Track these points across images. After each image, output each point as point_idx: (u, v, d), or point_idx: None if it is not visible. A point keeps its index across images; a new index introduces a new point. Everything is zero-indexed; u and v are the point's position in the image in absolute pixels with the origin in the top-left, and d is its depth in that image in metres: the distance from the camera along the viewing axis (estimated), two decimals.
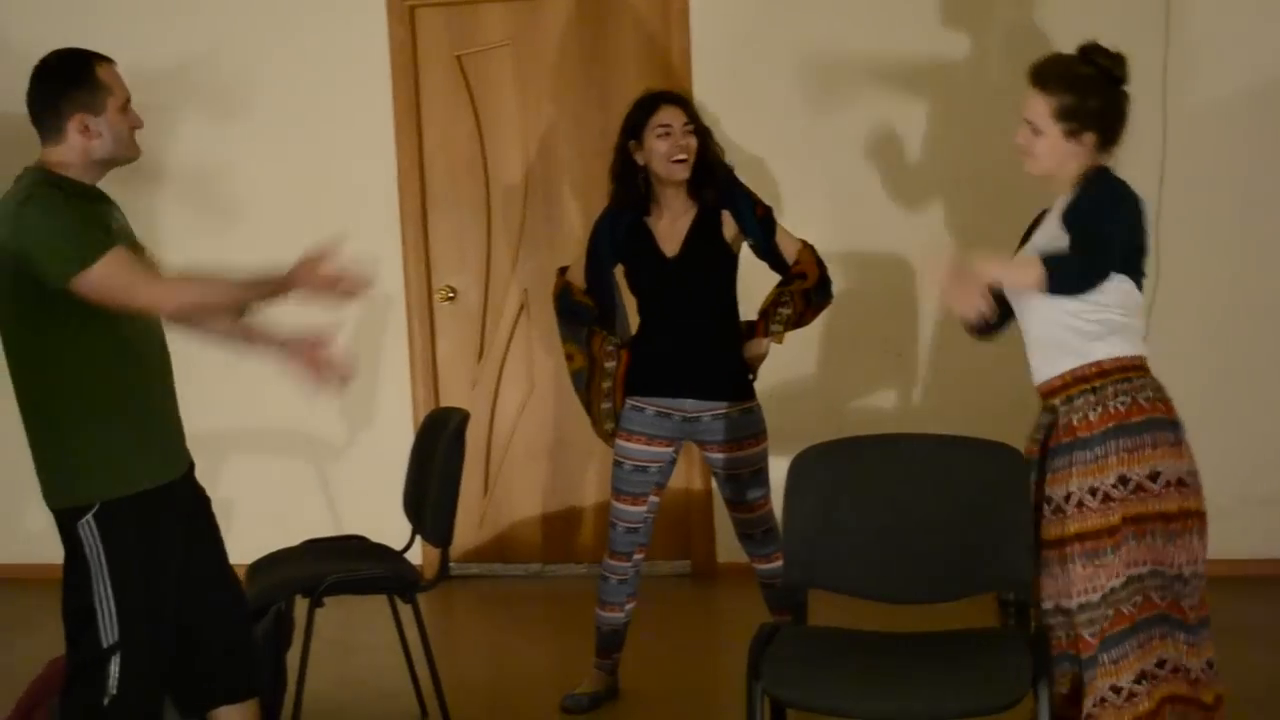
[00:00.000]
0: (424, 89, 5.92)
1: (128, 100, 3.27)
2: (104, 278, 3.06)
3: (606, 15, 5.78)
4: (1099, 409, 3.26)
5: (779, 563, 4.38)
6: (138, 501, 3.20)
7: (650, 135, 4.21)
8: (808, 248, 4.35)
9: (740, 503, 4.36)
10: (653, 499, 4.37)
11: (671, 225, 4.30)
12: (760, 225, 4.28)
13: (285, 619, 4.08)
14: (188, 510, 3.38)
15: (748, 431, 4.30)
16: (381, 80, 5.87)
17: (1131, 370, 3.29)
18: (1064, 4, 5.27)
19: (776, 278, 4.36)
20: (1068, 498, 3.26)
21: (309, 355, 3.38)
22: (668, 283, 4.28)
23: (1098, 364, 3.28)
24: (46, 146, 3.24)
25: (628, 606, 4.45)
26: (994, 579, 3.38)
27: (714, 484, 4.60)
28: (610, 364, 4.34)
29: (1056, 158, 3.33)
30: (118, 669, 3.20)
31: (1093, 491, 3.23)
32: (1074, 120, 3.30)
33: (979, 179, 5.36)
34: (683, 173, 4.22)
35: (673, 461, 4.39)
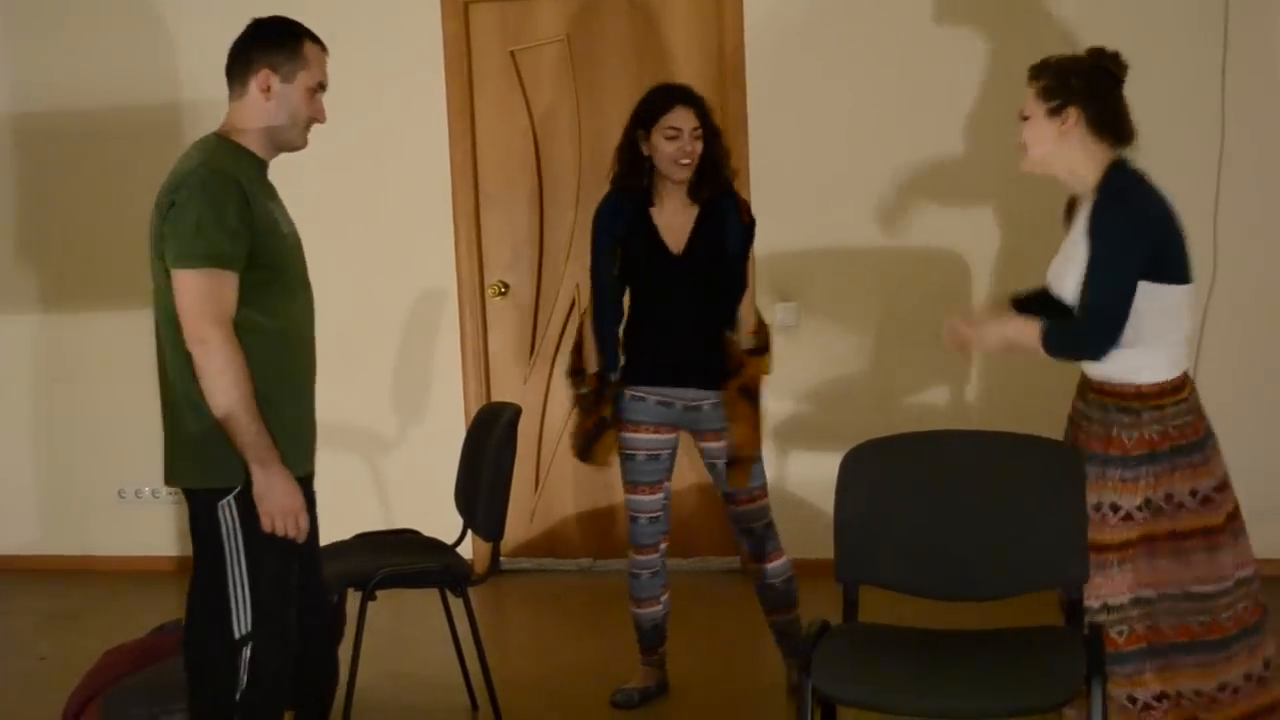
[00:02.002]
0: (477, 84, 5.93)
1: (320, 88, 3.29)
2: (189, 287, 3.05)
3: (660, 9, 5.78)
4: (1135, 433, 3.29)
5: (782, 560, 4.39)
6: None
7: (658, 133, 4.20)
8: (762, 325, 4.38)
9: (739, 493, 4.33)
10: (666, 485, 4.39)
11: (674, 219, 4.29)
12: (743, 230, 4.28)
13: (337, 612, 4.11)
14: (312, 508, 3.35)
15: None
16: (435, 76, 5.89)
17: (1169, 394, 3.31)
18: (1124, 5, 5.23)
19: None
20: (1096, 506, 3.30)
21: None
22: (671, 278, 4.26)
23: (1137, 388, 3.31)
24: (231, 103, 3.26)
25: (664, 598, 4.45)
26: (1046, 577, 3.36)
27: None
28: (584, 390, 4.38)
29: (1044, 141, 3.36)
30: (249, 659, 3.16)
31: (1115, 508, 3.30)
32: (1056, 96, 3.34)
33: (1034, 176, 5.31)
34: (684, 174, 4.22)
35: (675, 449, 4.39)
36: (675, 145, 4.19)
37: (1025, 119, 3.40)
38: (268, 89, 3.22)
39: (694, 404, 4.30)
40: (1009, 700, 3.02)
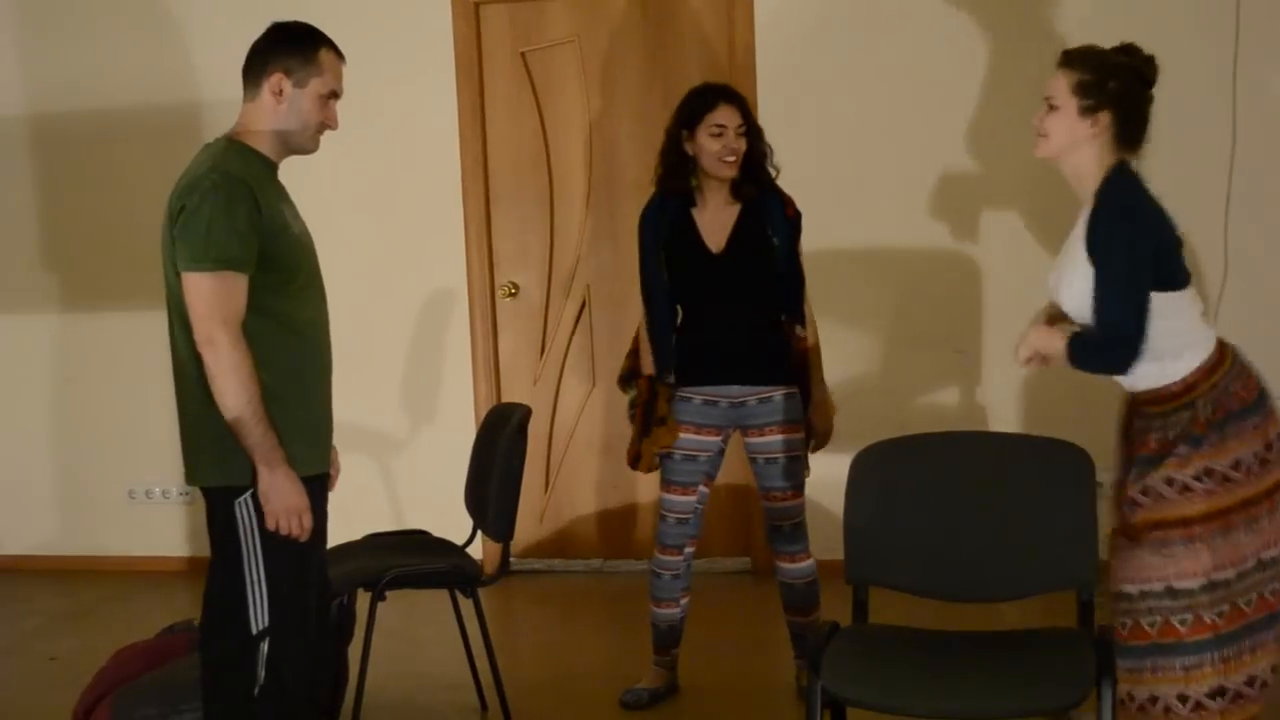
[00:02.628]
0: (488, 85, 5.94)
1: (334, 95, 3.30)
2: (199, 289, 3.07)
3: (670, 11, 5.78)
4: (1194, 422, 3.22)
5: (806, 563, 4.38)
6: None
7: (703, 132, 4.21)
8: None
9: (775, 490, 4.33)
10: (702, 489, 4.37)
11: (715, 218, 4.29)
12: (788, 225, 4.28)
13: (347, 612, 4.12)
14: (325, 507, 3.37)
15: (791, 416, 4.29)
16: (446, 76, 5.90)
17: (1214, 371, 3.25)
18: (1137, 3, 5.23)
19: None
20: (1145, 490, 3.22)
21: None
22: (713, 277, 4.27)
23: (1184, 382, 3.25)
24: (244, 105, 3.27)
25: (683, 601, 4.45)
26: (1057, 578, 3.35)
27: None
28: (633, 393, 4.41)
29: (1069, 136, 3.29)
30: (267, 655, 3.17)
31: (1170, 481, 3.19)
32: (1092, 96, 3.27)
33: (1046, 178, 5.28)
34: (730, 171, 4.22)
35: (721, 452, 4.38)
36: (720, 143, 4.20)
37: (1053, 106, 3.31)
38: (280, 92, 3.24)
39: (739, 400, 4.29)
40: (1019, 702, 3.02)
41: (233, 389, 3.06)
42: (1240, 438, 3.20)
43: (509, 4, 5.89)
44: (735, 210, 4.28)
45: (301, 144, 3.31)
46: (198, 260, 3.06)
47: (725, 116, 4.21)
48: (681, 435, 4.30)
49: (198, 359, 3.12)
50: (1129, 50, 3.35)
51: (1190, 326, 3.27)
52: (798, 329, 4.32)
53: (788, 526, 4.36)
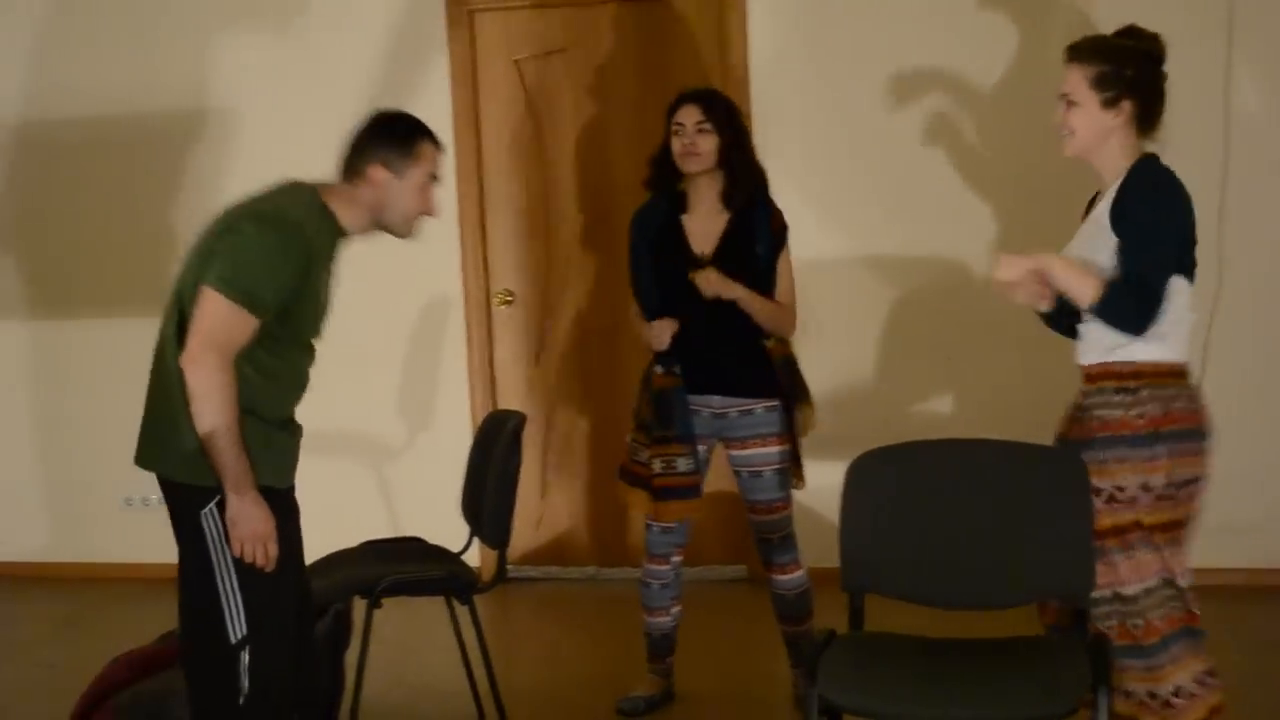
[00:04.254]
0: (482, 93, 5.95)
1: (431, 181, 3.33)
2: (212, 310, 3.07)
3: (665, 20, 5.79)
4: (1135, 410, 3.24)
5: (797, 574, 4.38)
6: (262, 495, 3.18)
7: (670, 132, 4.28)
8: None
9: (760, 503, 4.34)
10: None
11: (703, 225, 4.31)
12: (772, 236, 4.29)
13: (343, 619, 4.12)
14: (294, 519, 3.38)
15: (772, 429, 4.29)
16: (440, 83, 5.91)
17: (1168, 377, 3.27)
18: (1126, 11, 5.23)
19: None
20: (1121, 489, 3.26)
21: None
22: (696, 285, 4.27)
23: (1134, 364, 3.26)
24: (342, 179, 3.30)
25: (674, 610, 4.46)
26: (1052, 585, 3.36)
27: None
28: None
29: (1094, 130, 3.30)
30: (248, 664, 3.18)
31: (1145, 488, 3.25)
32: (1111, 88, 3.28)
33: (1034, 182, 5.32)
34: (692, 167, 4.25)
35: (706, 461, 4.39)
36: (679, 140, 4.26)
37: (1071, 104, 3.32)
38: (380, 182, 3.27)
39: (720, 411, 4.30)
40: (1014, 710, 3.02)
41: (209, 410, 3.08)
42: (1187, 457, 3.27)
43: (503, 12, 5.90)
44: (725, 219, 4.29)
45: (396, 230, 3.36)
46: (226, 283, 3.08)
47: (684, 115, 4.27)
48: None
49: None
50: (1134, 33, 3.36)
51: (1177, 320, 3.28)
52: (766, 341, 4.31)
53: (776, 539, 4.36)
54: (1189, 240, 3.29)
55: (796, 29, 5.61)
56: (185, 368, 3.09)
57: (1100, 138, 3.31)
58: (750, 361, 4.30)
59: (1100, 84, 3.29)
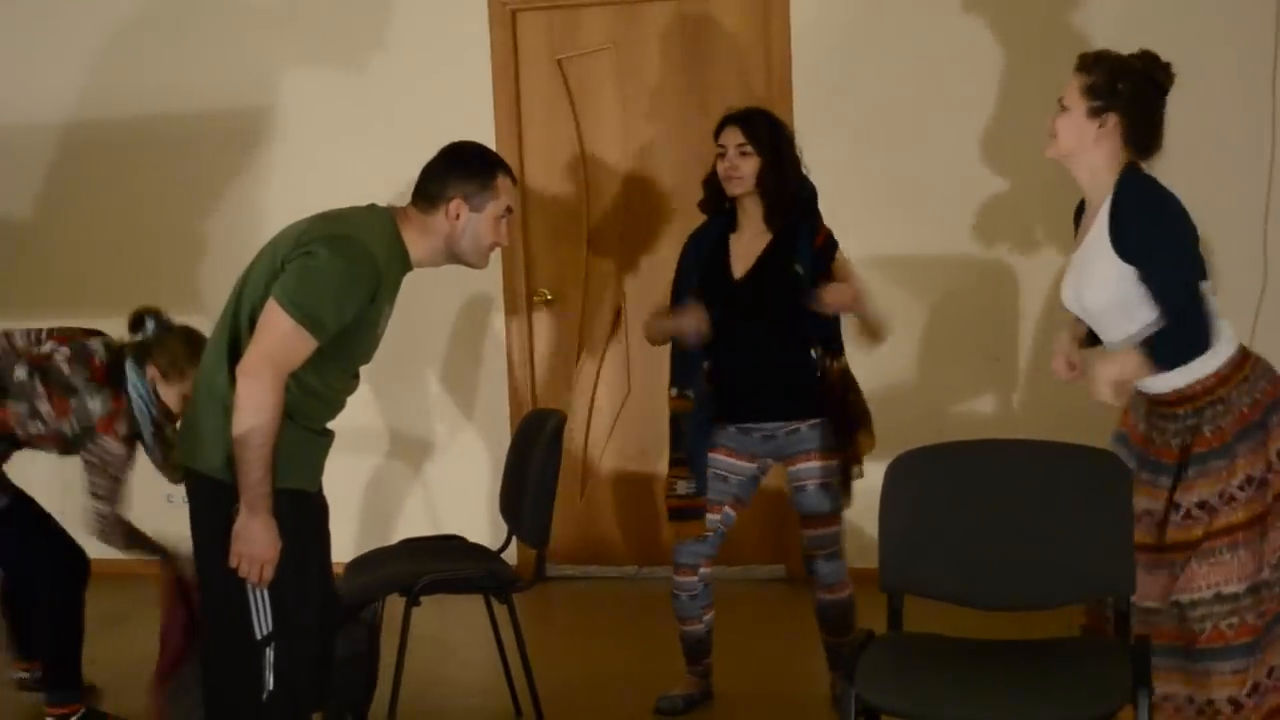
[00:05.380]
0: (524, 92, 5.95)
1: (506, 215, 3.36)
2: (276, 326, 3.10)
3: (707, 19, 5.78)
4: (1228, 415, 3.25)
5: (844, 594, 4.35)
6: (287, 496, 3.20)
7: (716, 154, 4.28)
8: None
9: (807, 516, 4.33)
10: (728, 510, 4.35)
11: (747, 245, 4.31)
12: (814, 255, 4.25)
13: (374, 631, 4.08)
14: (321, 520, 3.42)
15: (814, 445, 4.26)
16: (482, 83, 5.91)
17: (1245, 365, 3.29)
18: (1173, 11, 5.20)
19: None
20: (1202, 505, 3.26)
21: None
22: (731, 303, 4.26)
23: (1217, 374, 3.26)
24: (417, 210, 3.32)
25: (706, 618, 4.44)
26: (1093, 587, 3.34)
27: None
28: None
29: (1075, 136, 3.32)
30: (273, 661, 3.20)
31: (1220, 494, 3.25)
32: (1100, 99, 3.30)
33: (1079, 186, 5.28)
34: (733, 189, 4.26)
35: (755, 479, 4.38)
36: (722, 163, 4.27)
37: (1064, 108, 3.36)
38: (456, 216, 3.30)
39: (770, 434, 4.30)
40: (1053, 712, 3.01)
41: (253, 425, 3.09)
42: (1274, 434, 3.23)
43: (546, 11, 5.91)
44: (767, 239, 4.29)
45: (470, 261, 3.39)
46: (294, 302, 3.10)
47: (726, 137, 4.27)
48: (714, 456, 4.31)
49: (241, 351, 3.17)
50: (1144, 56, 3.38)
51: (1215, 318, 3.28)
52: (830, 360, 4.28)
53: (822, 556, 4.35)
54: (1197, 239, 3.28)
55: (839, 28, 5.59)
56: (239, 377, 3.12)
57: (1080, 145, 3.34)
58: (791, 380, 4.27)
59: (1091, 93, 3.33)
